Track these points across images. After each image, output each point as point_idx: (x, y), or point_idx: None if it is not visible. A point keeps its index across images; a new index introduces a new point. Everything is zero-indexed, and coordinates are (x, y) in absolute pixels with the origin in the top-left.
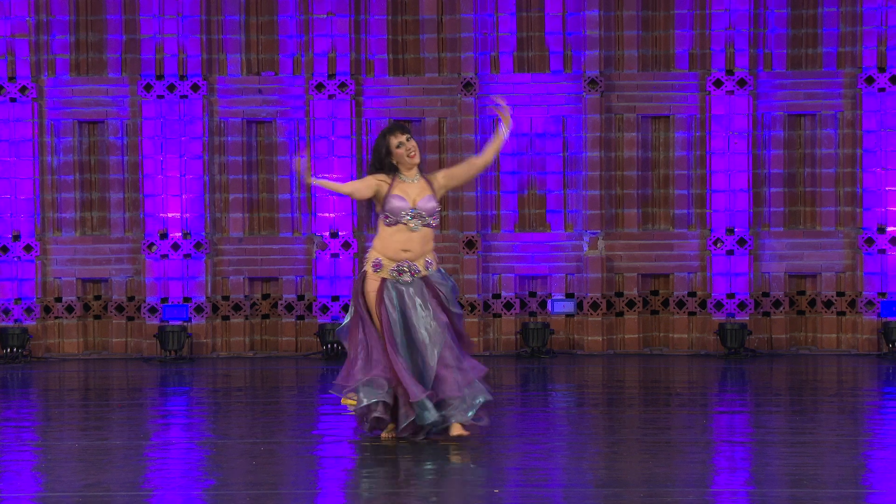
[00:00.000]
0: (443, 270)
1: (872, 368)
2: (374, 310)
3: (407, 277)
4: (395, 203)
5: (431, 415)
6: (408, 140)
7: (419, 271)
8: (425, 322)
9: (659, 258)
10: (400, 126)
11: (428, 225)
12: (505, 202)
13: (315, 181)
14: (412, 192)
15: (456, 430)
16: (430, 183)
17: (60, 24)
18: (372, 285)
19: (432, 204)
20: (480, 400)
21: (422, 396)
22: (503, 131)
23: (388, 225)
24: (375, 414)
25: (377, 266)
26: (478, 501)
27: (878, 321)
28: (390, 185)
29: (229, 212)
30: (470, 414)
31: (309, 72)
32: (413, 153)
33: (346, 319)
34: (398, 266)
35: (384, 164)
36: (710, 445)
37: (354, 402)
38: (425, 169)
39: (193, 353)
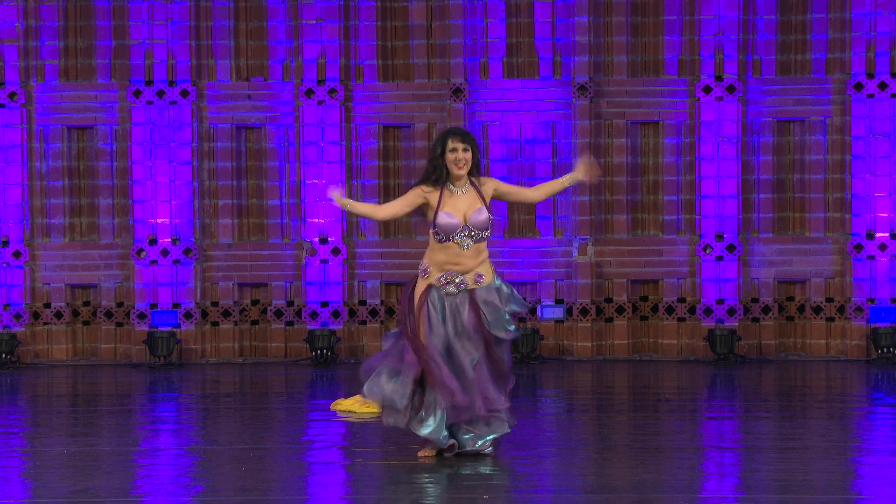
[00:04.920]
0: (497, 283)
1: (861, 374)
2: (417, 311)
3: (452, 289)
4: (445, 220)
5: (428, 430)
6: (464, 150)
7: (467, 285)
8: (462, 338)
9: (648, 264)
10: (461, 132)
11: (480, 240)
12: (494, 207)
13: (354, 208)
14: (462, 206)
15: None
16: (480, 193)
17: (49, 30)
18: (419, 289)
19: (483, 217)
20: (494, 436)
21: (446, 405)
22: (572, 177)
23: (439, 241)
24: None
25: (425, 272)
26: None
27: (866, 327)
28: (440, 199)
29: (219, 217)
30: (479, 443)
31: (298, 77)
32: (461, 164)
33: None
34: (445, 276)
35: (437, 165)
36: (699, 451)
37: (346, 409)
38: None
39: (182, 359)
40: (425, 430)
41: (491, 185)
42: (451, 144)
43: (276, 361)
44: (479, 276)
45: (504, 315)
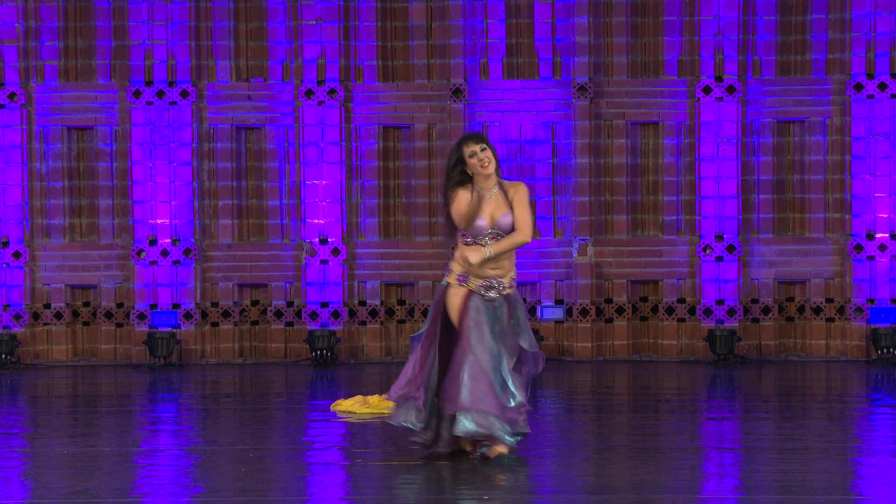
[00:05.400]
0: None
1: (861, 375)
2: (457, 317)
3: (493, 294)
4: (475, 223)
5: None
6: (482, 150)
7: (505, 288)
8: (501, 341)
9: (648, 264)
10: (475, 136)
11: None
12: None
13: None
14: (489, 209)
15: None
16: (506, 196)
17: (49, 31)
18: (456, 295)
19: (510, 220)
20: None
21: (523, 401)
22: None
23: (466, 244)
24: (412, 437)
25: (463, 280)
26: None
27: (866, 327)
28: (482, 200)
29: (218, 218)
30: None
31: (298, 78)
32: (486, 163)
33: (422, 329)
34: (486, 282)
35: (453, 175)
36: (699, 452)
37: (346, 409)
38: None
39: (182, 360)
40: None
41: (513, 192)
42: (468, 150)
43: (276, 362)
44: (513, 279)
45: (525, 319)
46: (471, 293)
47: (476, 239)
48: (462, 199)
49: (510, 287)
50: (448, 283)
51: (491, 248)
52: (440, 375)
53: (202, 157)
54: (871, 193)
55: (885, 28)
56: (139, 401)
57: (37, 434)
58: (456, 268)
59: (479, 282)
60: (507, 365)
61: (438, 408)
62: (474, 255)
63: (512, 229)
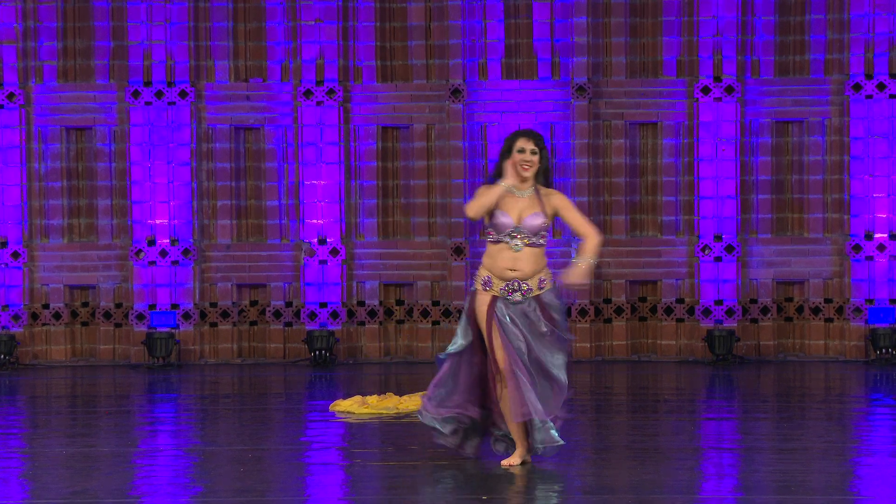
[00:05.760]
0: (557, 291)
1: (860, 375)
2: (484, 326)
3: (518, 297)
4: (499, 219)
5: (547, 434)
6: (532, 153)
7: (531, 290)
8: (539, 341)
9: (647, 265)
10: (533, 135)
11: (533, 244)
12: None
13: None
14: (518, 207)
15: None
16: (540, 199)
17: (48, 31)
18: (482, 302)
19: (539, 221)
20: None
21: (544, 417)
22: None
23: (492, 242)
24: (437, 440)
25: (487, 284)
26: None
27: (865, 328)
28: (499, 197)
29: (217, 218)
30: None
31: (297, 78)
32: (528, 166)
33: (453, 344)
34: (508, 285)
35: (499, 166)
36: (697, 452)
37: (344, 410)
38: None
39: (181, 360)
40: (555, 436)
41: (554, 199)
42: (519, 144)
43: (275, 362)
44: (542, 280)
45: (563, 318)
46: (495, 299)
47: (500, 236)
48: (485, 193)
49: (539, 290)
50: (475, 290)
51: (589, 257)
52: (481, 386)
53: (201, 158)
54: (869, 194)
55: (883, 28)
56: (138, 401)
57: (35, 434)
58: (482, 272)
59: (502, 285)
60: (545, 363)
61: (475, 418)
62: (579, 276)
63: (539, 232)
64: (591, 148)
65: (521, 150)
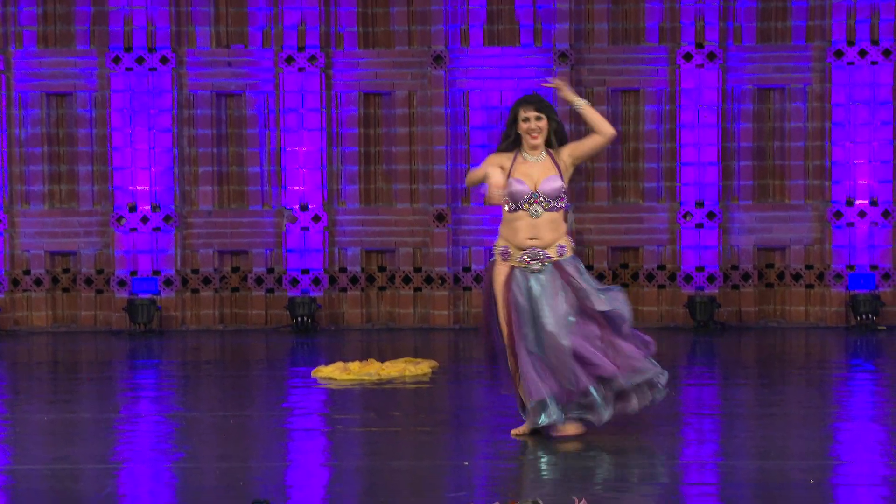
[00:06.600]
0: (577, 259)
1: (840, 341)
2: (501, 298)
3: (537, 265)
4: (515, 187)
5: (550, 417)
6: (537, 119)
7: (551, 258)
8: (555, 312)
9: (628, 231)
10: (533, 101)
11: (553, 209)
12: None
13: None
14: (534, 174)
15: (570, 429)
16: (555, 161)
17: None
18: (500, 273)
19: (557, 184)
20: (637, 380)
21: (543, 396)
22: (576, 101)
23: (510, 211)
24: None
25: (505, 255)
26: (446, 474)
27: (846, 294)
28: (511, 166)
29: (198, 185)
30: (606, 414)
31: (278, 45)
32: (536, 133)
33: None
34: (526, 254)
35: (508, 133)
36: (678, 418)
37: (326, 376)
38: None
39: (162, 327)
40: (544, 421)
41: (566, 153)
42: (523, 113)
43: (257, 329)
44: (562, 247)
45: (592, 284)
46: (513, 270)
47: (518, 204)
48: (492, 164)
49: (559, 256)
50: (494, 260)
51: (584, 103)
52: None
53: (182, 124)
54: (850, 160)
55: None
56: (119, 368)
57: (16, 401)
58: (500, 242)
59: (520, 254)
60: (559, 340)
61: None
62: (565, 86)
63: (558, 195)
64: (572, 115)
65: (526, 119)
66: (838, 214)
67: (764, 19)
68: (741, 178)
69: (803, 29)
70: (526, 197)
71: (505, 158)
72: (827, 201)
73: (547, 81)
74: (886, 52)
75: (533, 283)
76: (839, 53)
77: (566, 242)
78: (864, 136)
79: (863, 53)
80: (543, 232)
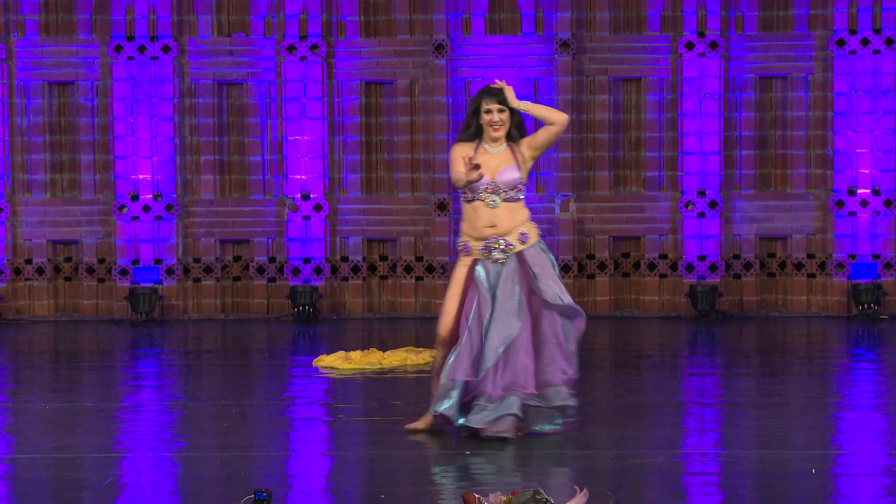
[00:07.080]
0: (543, 245)
1: (842, 330)
2: (456, 289)
3: (499, 255)
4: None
5: (450, 409)
6: (499, 111)
7: (513, 246)
8: (507, 303)
9: (630, 220)
10: (494, 92)
11: (510, 199)
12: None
13: (527, 106)
14: (492, 164)
15: (503, 426)
16: (514, 153)
17: None
18: (461, 267)
19: (515, 175)
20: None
21: (458, 378)
22: (519, 105)
23: (468, 202)
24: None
25: (466, 249)
26: (447, 462)
27: (847, 283)
28: (473, 156)
29: (200, 174)
30: (546, 427)
31: (280, 33)
32: (498, 126)
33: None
34: (487, 244)
35: (470, 122)
36: (680, 407)
37: (328, 365)
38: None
39: (164, 316)
40: (441, 407)
41: (524, 143)
42: (485, 105)
43: (258, 318)
44: (524, 234)
45: (555, 274)
46: (475, 263)
47: (476, 194)
48: (458, 156)
49: (522, 244)
50: (457, 258)
51: (529, 105)
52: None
53: (184, 113)
54: (852, 149)
55: None
56: (121, 356)
57: (18, 389)
58: (461, 239)
59: (480, 245)
60: (499, 337)
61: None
62: (510, 91)
63: (515, 186)
64: (574, 103)
65: (488, 111)
66: (840, 203)
67: (766, 8)
68: (743, 167)
69: (805, 17)
70: (483, 187)
71: (468, 148)
72: (829, 190)
73: (496, 82)
74: (889, 41)
75: (493, 272)
76: (841, 42)
77: (528, 229)
78: (866, 125)
79: (865, 42)
80: (501, 220)
